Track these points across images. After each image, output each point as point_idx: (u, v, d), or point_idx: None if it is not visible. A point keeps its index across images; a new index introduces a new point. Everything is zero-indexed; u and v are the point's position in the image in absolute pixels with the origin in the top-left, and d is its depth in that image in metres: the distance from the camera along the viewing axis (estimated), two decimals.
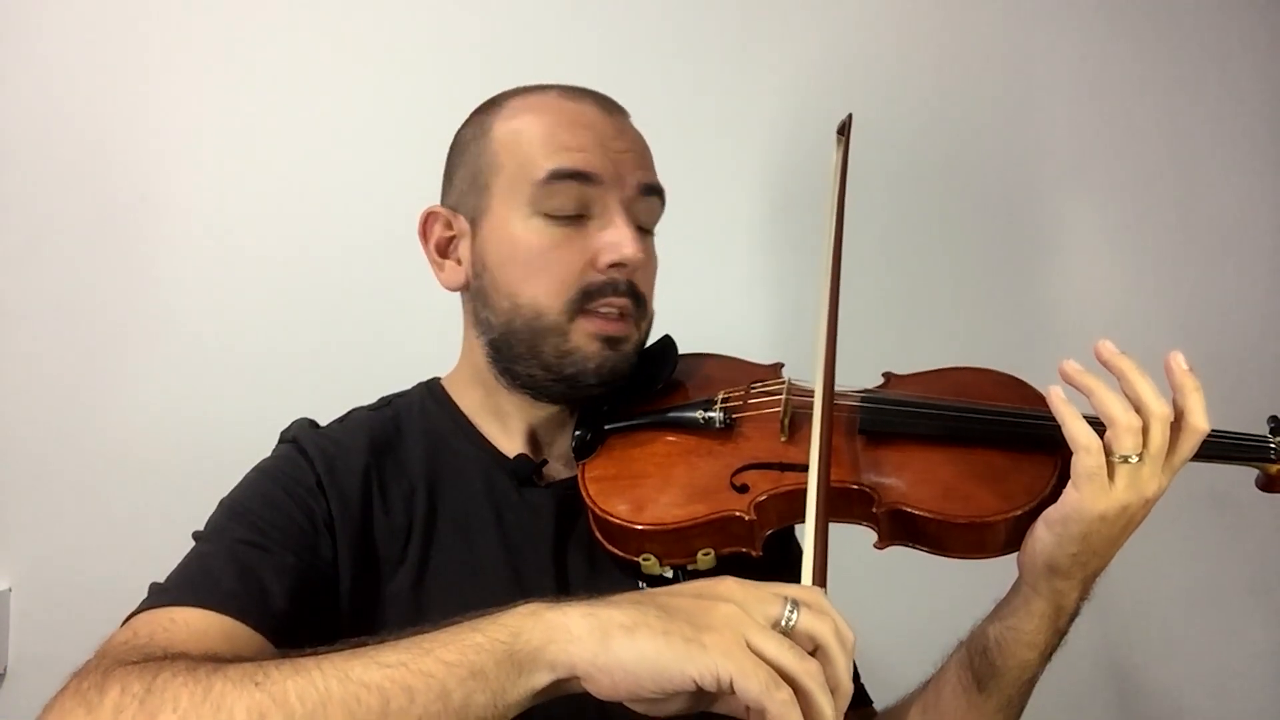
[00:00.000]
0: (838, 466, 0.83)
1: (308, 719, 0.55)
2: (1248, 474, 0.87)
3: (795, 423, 0.88)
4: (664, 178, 0.94)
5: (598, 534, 0.87)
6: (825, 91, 1.55)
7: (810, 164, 1.54)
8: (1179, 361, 0.76)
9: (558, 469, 0.94)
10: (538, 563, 0.87)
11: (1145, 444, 0.74)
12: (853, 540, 0.85)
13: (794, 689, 0.57)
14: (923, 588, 1.34)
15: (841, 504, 0.83)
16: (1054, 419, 0.76)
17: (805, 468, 0.77)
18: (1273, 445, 0.82)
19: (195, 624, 0.70)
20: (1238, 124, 1.70)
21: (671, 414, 0.91)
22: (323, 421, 0.94)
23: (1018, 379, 0.92)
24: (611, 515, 0.84)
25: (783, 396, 0.90)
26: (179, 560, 0.81)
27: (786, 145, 1.54)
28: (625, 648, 0.58)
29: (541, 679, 0.59)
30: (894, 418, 0.87)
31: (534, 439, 0.95)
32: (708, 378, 0.98)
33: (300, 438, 0.89)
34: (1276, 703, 1.63)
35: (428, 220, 0.94)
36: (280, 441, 0.91)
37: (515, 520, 0.89)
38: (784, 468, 0.85)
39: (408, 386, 1.00)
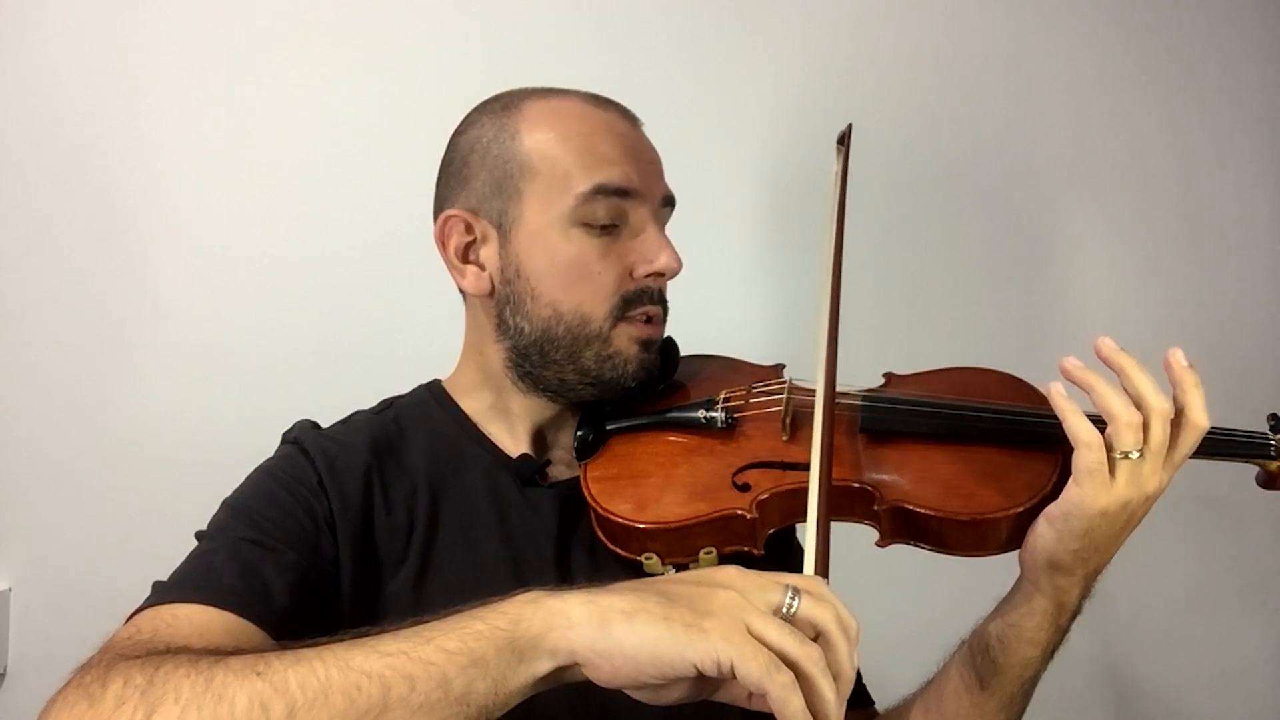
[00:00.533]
0: (839, 465, 0.83)
1: (309, 708, 0.56)
2: (1246, 476, 0.87)
3: (796, 422, 0.89)
4: (665, 178, 0.95)
5: (600, 534, 0.87)
6: (825, 92, 1.56)
7: (811, 164, 1.55)
8: (1178, 358, 0.76)
9: (561, 469, 0.94)
10: (540, 562, 0.87)
11: (1146, 440, 0.74)
12: (854, 539, 0.85)
13: (796, 674, 0.57)
14: (924, 587, 1.34)
15: (843, 502, 0.83)
16: (1055, 416, 0.76)
17: (807, 466, 0.77)
18: (1273, 442, 0.82)
19: (198, 620, 0.71)
20: (1238, 124, 1.70)
21: (673, 414, 0.91)
22: (325, 423, 0.94)
23: (1018, 378, 0.92)
24: (614, 515, 0.84)
25: (784, 396, 0.91)
26: (180, 560, 0.81)
27: (787, 146, 1.54)
28: (626, 633, 0.58)
29: (542, 666, 0.59)
30: (895, 416, 0.87)
31: (539, 439, 0.95)
32: (709, 378, 0.98)
33: (302, 438, 0.89)
34: (1275, 703, 1.63)
35: (446, 224, 0.92)
36: (282, 442, 0.91)
37: (518, 520, 0.89)
38: (786, 466, 0.85)
39: (410, 385, 1.00)
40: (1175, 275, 1.66)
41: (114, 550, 1.29)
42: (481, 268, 0.91)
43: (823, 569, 0.69)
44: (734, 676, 0.57)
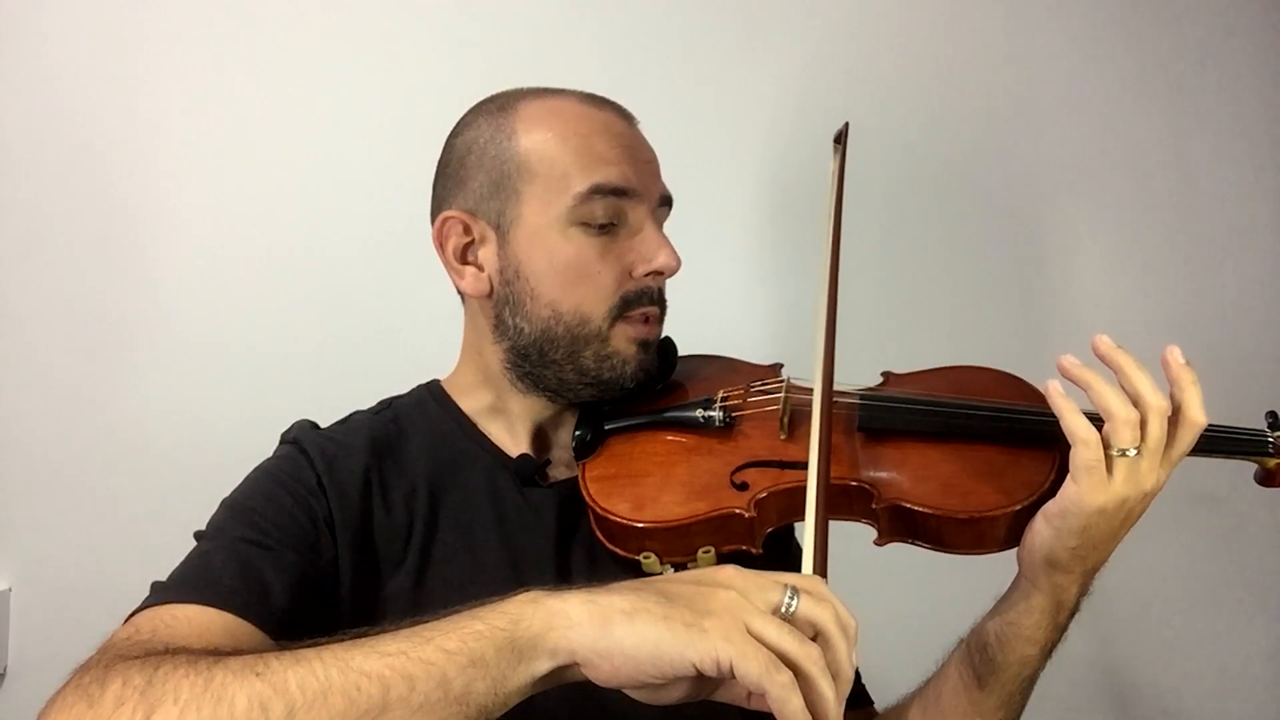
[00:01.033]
0: (837, 463, 0.83)
1: (309, 708, 0.56)
2: (1245, 475, 0.87)
3: (794, 421, 0.89)
4: (664, 178, 0.95)
5: (598, 533, 0.87)
6: (825, 92, 1.56)
7: (810, 164, 1.55)
8: (1176, 356, 0.76)
9: (560, 469, 0.94)
10: (539, 562, 0.87)
11: (1143, 437, 0.74)
12: (853, 539, 0.85)
13: (795, 673, 0.57)
14: (923, 585, 1.34)
15: (841, 500, 0.83)
16: (1052, 414, 0.76)
17: (805, 465, 0.77)
18: (1271, 440, 0.83)
19: (197, 620, 0.71)
20: (1238, 124, 1.70)
21: (671, 413, 0.92)
22: (324, 423, 0.95)
23: (1016, 376, 0.92)
24: (612, 514, 0.85)
25: (782, 395, 0.91)
26: (179, 559, 0.81)
27: (786, 145, 1.55)
28: (625, 633, 0.58)
29: (542, 666, 0.59)
30: (893, 415, 0.87)
31: (539, 438, 0.95)
32: (707, 378, 0.98)
33: (301, 438, 0.89)
34: (1274, 703, 1.63)
35: (444, 225, 0.91)
36: (281, 442, 0.92)
37: (517, 520, 0.89)
38: (784, 465, 0.86)
39: (409, 386, 1.00)
40: (1175, 275, 1.66)
41: (114, 550, 1.30)
42: (480, 269, 0.91)
43: (821, 568, 0.69)
44: (733, 676, 0.57)
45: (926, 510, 0.80)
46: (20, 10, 1.32)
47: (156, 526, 1.28)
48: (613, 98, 0.94)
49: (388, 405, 0.97)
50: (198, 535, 0.82)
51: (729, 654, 0.56)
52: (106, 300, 1.33)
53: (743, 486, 0.85)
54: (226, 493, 0.86)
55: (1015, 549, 0.82)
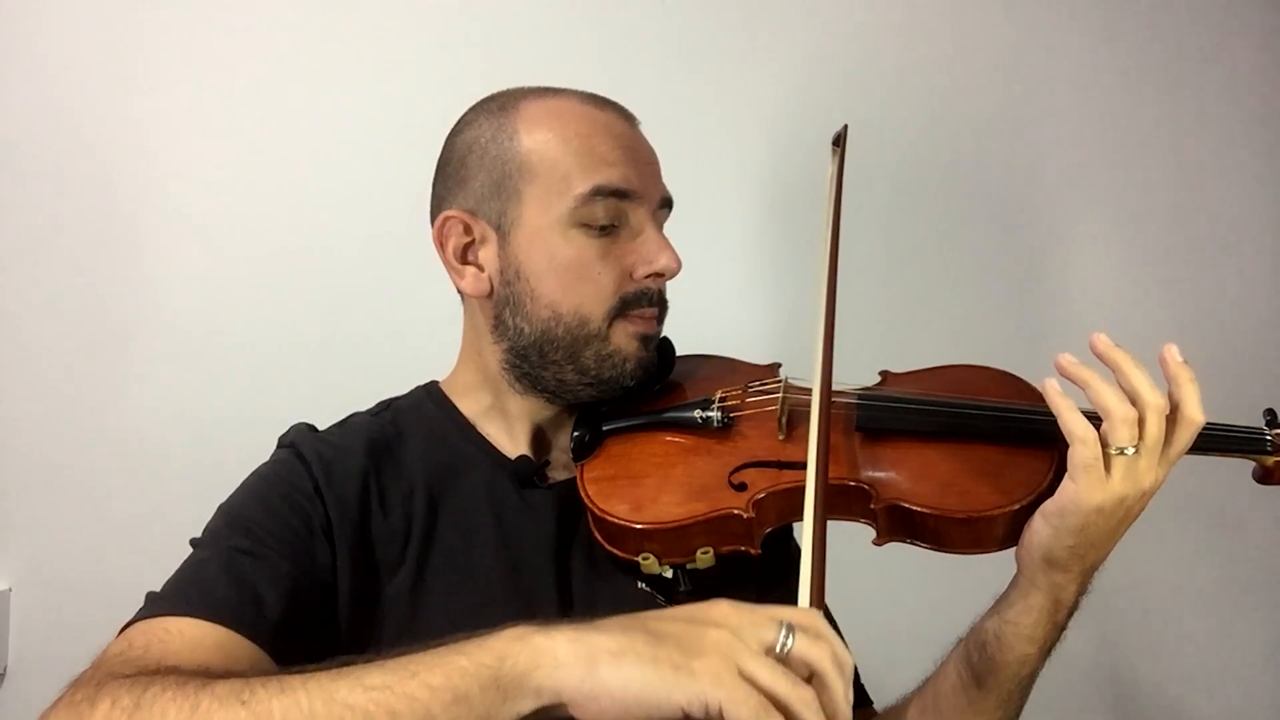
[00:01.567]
0: (836, 463, 0.83)
1: None
2: (1245, 475, 0.87)
3: (792, 421, 0.89)
4: (663, 178, 0.95)
5: (597, 534, 0.87)
6: (825, 92, 1.56)
7: (810, 165, 1.55)
8: (1173, 354, 0.76)
9: (560, 470, 0.94)
10: (538, 564, 0.87)
11: (1141, 436, 0.74)
12: (852, 539, 0.85)
13: (788, 718, 0.56)
14: (922, 585, 1.34)
15: (840, 500, 0.83)
16: (1050, 413, 0.76)
17: (803, 465, 0.77)
18: (1269, 437, 0.82)
19: (190, 634, 0.71)
20: (1238, 124, 1.70)
21: (669, 414, 0.91)
22: (323, 423, 0.94)
23: (1014, 375, 0.92)
24: (610, 515, 0.84)
25: (780, 395, 0.91)
26: (178, 560, 0.81)
27: (785, 145, 1.55)
28: (612, 674, 0.57)
29: (526, 705, 0.58)
30: (891, 414, 0.87)
31: (538, 439, 0.95)
32: (705, 378, 0.98)
33: (298, 442, 0.89)
34: (1274, 703, 1.63)
35: (445, 225, 0.91)
36: (278, 446, 0.91)
37: (516, 522, 0.89)
38: (782, 466, 0.85)
39: (408, 386, 1.00)
40: (1174, 274, 1.66)
41: (114, 550, 1.30)
42: (480, 269, 0.91)
43: (818, 599, 0.67)
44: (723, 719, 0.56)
45: (925, 510, 0.80)
46: (20, 10, 1.32)
47: (156, 526, 1.29)
48: (613, 98, 0.94)
49: (386, 406, 0.97)
50: (193, 543, 0.82)
51: (718, 697, 0.55)
52: (106, 300, 1.34)
53: (741, 487, 0.84)
54: (226, 492, 0.86)
55: (1014, 548, 0.82)
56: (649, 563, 0.84)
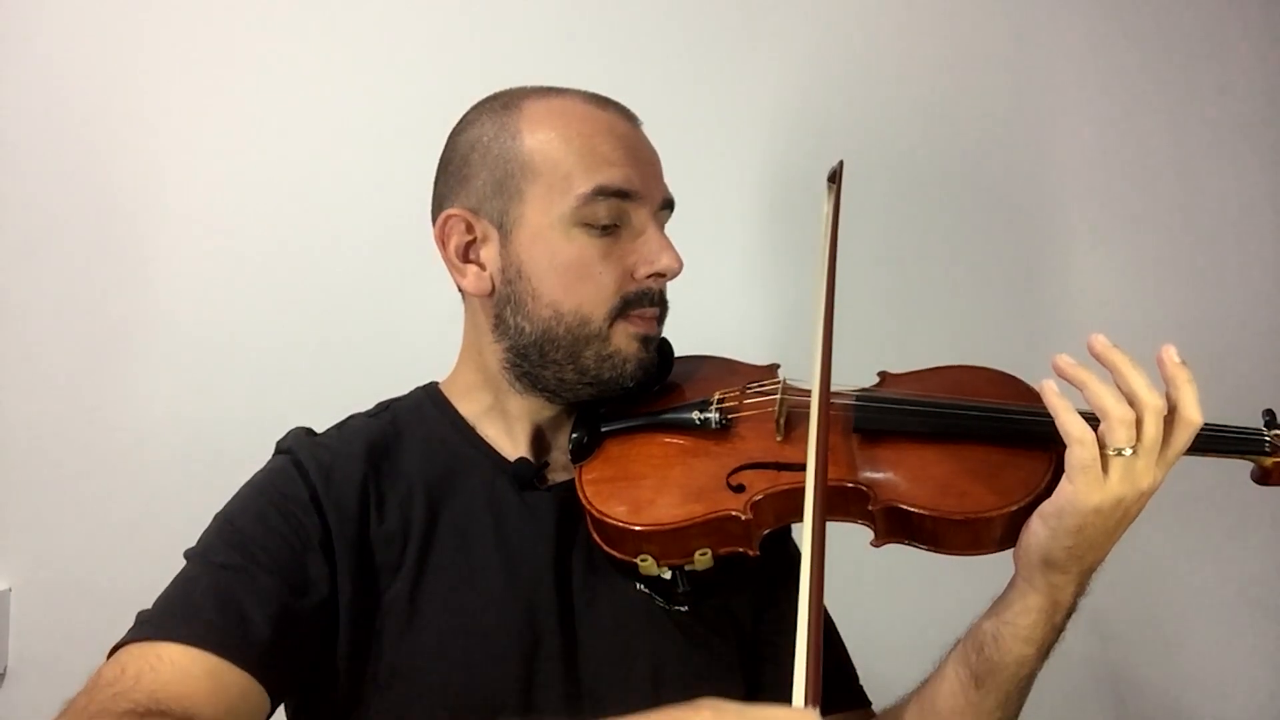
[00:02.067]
0: (834, 465, 0.83)
1: None
2: (1246, 475, 0.87)
3: (791, 422, 0.89)
4: (665, 180, 0.95)
5: (596, 536, 0.87)
6: (825, 92, 1.56)
7: (808, 165, 1.54)
8: (1171, 355, 0.76)
9: (559, 472, 0.94)
10: (537, 566, 0.87)
11: (1139, 436, 0.73)
12: (850, 540, 0.85)
13: None
14: (920, 586, 1.34)
15: (838, 502, 0.83)
16: (1048, 414, 0.76)
17: (801, 467, 0.77)
18: (1267, 438, 0.82)
19: (180, 662, 0.72)
20: (1238, 124, 1.70)
21: (667, 415, 0.91)
22: (322, 423, 0.94)
23: (1012, 376, 0.92)
24: (609, 517, 0.84)
25: (778, 396, 0.91)
26: (178, 560, 0.82)
27: (785, 146, 1.55)
28: None
29: None
30: (889, 416, 0.87)
31: (538, 440, 0.95)
32: (703, 379, 0.98)
33: (295, 449, 0.89)
34: (1275, 704, 1.63)
35: (446, 223, 0.91)
36: (276, 452, 0.91)
37: (515, 524, 0.89)
38: (780, 467, 0.85)
39: (409, 386, 1.00)
40: (1174, 275, 1.66)
41: (114, 550, 1.30)
42: (482, 267, 0.91)
43: (814, 694, 0.62)
44: None
45: (923, 511, 0.80)
46: (21, 10, 1.32)
47: (156, 526, 1.30)
48: (614, 98, 0.94)
49: (385, 408, 0.97)
50: (187, 555, 0.82)
51: None
52: (106, 300, 1.34)
53: (739, 488, 0.84)
54: (225, 492, 0.86)
55: (1011, 549, 0.81)
56: (647, 564, 0.85)
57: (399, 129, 1.39)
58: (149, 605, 0.79)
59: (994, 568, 0.84)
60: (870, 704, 0.99)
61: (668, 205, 0.94)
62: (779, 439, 0.88)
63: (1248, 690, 1.63)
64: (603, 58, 1.48)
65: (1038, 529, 0.78)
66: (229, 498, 0.87)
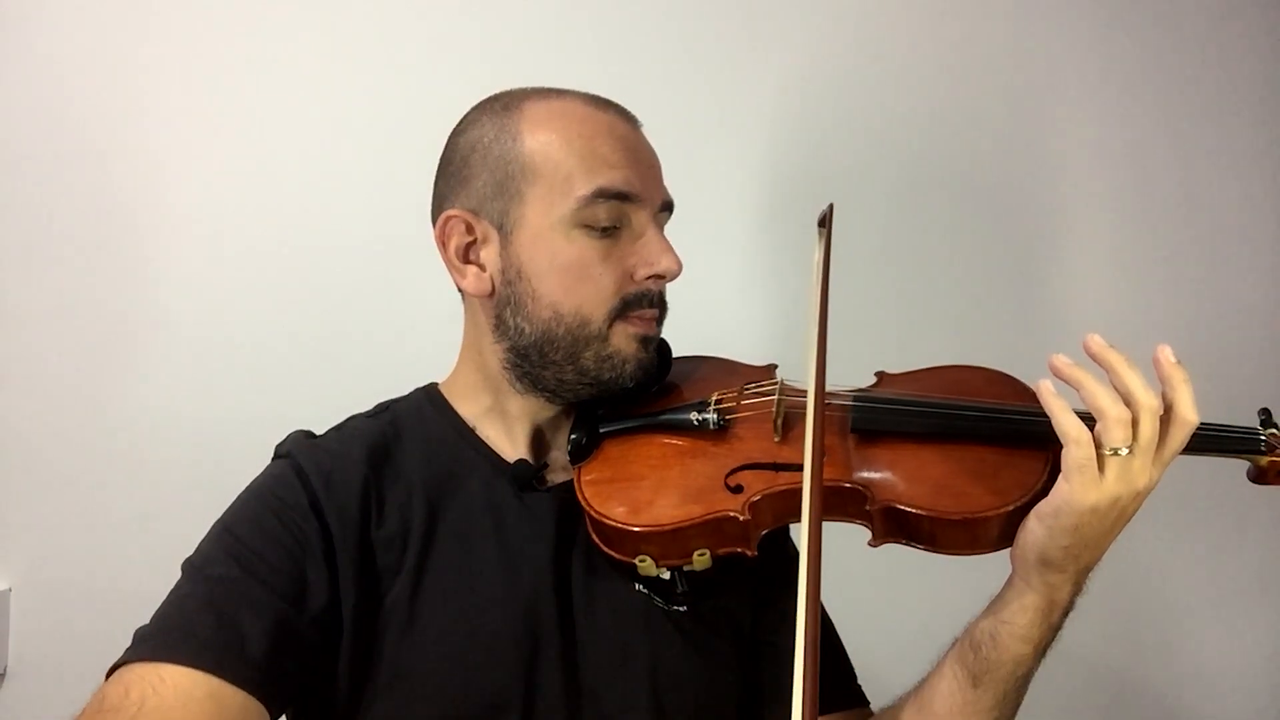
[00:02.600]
0: (831, 465, 0.83)
1: None
2: (1242, 475, 0.87)
3: (788, 423, 0.89)
4: (664, 182, 0.95)
5: (594, 537, 0.87)
6: (825, 92, 1.56)
7: (807, 165, 1.55)
8: (1167, 354, 0.76)
9: (559, 473, 0.94)
10: (537, 567, 0.88)
11: (1135, 436, 0.74)
12: (848, 540, 0.85)
13: None
14: (917, 586, 1.34)
15: (835, 502, 0.83)
16: (1045, 414, 0.76)
17: (799, 467, 0.77)
18: (1263, 438, 0.82)
19: (182, 685, 0.72)
20: (1238, 124, 1.70)
21: (665, 416, 0.91)
22: (322, 424, 0.95)
23: (1009, 376, 0.92)
24: (607, 518, 0.85)
25: (775, 397, 0.91)
26: (178, 560, 0.82)
27: (784, 147, 1.55)
28: None
29: None
30: (886, 416, 0.87)
31: (538, 440, 0.95)
32: (701, 380, 0.98)
33: (295, 453, 0.89)
34: (1274, 703, 1.63)
35: (447, 224, 0.91)
36: (275, 456, 0.91)
37: (515, 526, 0.89)
38: (778, 468, 0.85)
39: (409, 386, 1.00)
40: (1173, 275, 1.66)
41: (114, 550, 1.30)
42: (482, 268, 0.91)
43: (811, 711, 0.61)
44: None
45: (920, 512, 0.80)
46: (21, 10, 1.32)
47: (156, 526, 1.30)
48: (613, 99, 0.94)
49: (385, 409, 0.97)
50: (186, 566, 0.82)
51: None
52: (106, 300, 1.34)
53: (737, 489, 0.84)
54: (225, 493, 0.86)
55: (1009, 549, 0.82)
56: (646, 565, 0.85)
57: (399, 129, 1.39)
58: (148, 606, 0.79)
59: (992, 567, 0.84)
60: (868, 703, 1.00)
61: (667, 207, 0.94)
62: (777, 439, 0.88)
63: (1248, 690, 1.63)
64: (603, 58, 1.48)
65: (1034, 528, 0.78)
66: (229, 499, 0.87)
